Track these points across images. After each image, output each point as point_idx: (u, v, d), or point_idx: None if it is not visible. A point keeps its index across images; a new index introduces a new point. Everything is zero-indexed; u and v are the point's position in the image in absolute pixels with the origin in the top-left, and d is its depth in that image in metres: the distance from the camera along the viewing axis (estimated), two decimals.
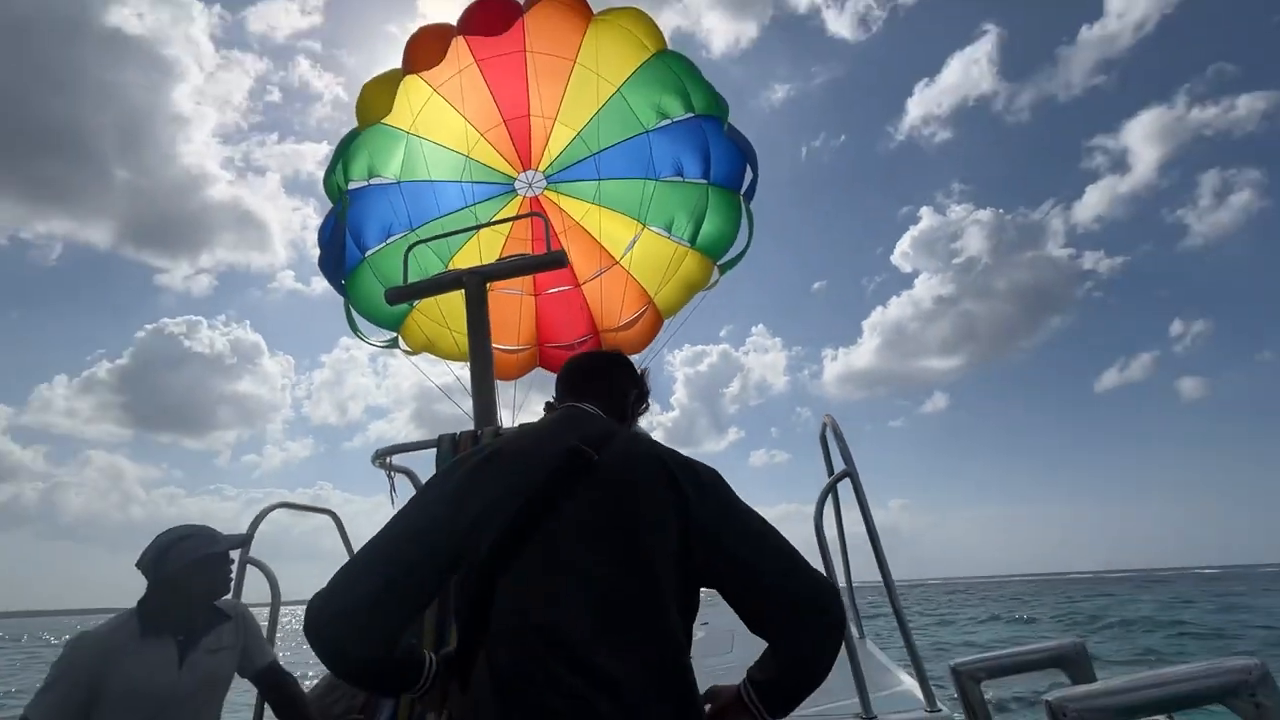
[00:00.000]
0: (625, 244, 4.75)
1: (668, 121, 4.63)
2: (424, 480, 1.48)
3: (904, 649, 2.26)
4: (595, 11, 4.42)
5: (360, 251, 4.53)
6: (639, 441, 1.21)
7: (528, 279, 4.78)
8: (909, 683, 2.47)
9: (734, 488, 1.21)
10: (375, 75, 4.53)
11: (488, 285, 2.57)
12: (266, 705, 2.11)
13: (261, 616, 2.37)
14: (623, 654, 0.96)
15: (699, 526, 1.09)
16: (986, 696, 2.13)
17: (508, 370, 4.80)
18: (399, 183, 4.60)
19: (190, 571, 1.89)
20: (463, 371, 2.36)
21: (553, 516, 1.05)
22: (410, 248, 2.76)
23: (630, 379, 1.48)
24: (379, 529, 1.12)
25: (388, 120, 4.53)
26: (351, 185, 4.51)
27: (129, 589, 2.02)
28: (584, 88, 4.56)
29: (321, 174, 4.52)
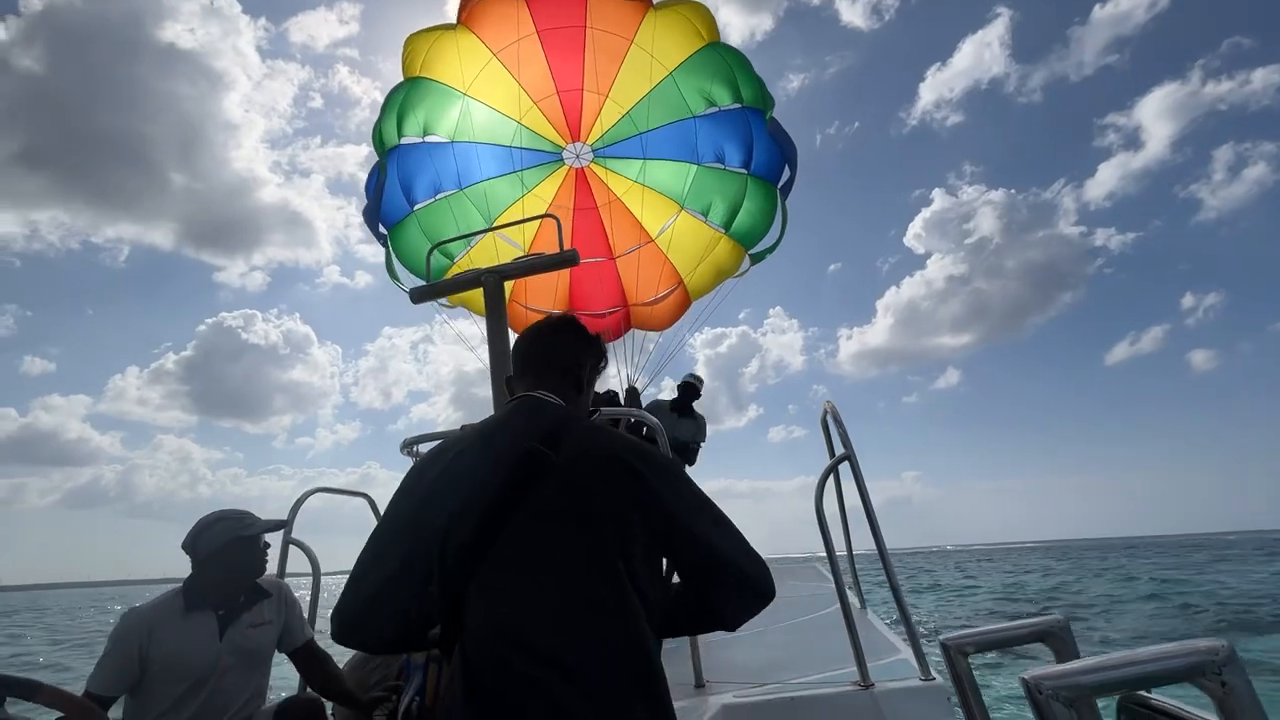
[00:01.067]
0: (663, 223, 4.96)
1: (714, 109, 4.81)
2: None
3: (902, 623, 2.34)
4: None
5: (409, 205, 4.69)
6: (595, 434, 1.21)
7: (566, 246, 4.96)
8: (906, 652, 2.54)
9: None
10: (423, 28, 4.62)
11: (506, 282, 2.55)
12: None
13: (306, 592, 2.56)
14: (584, 645, 1.01)
15: (659, 509, 1.13)
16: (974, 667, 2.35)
17: None
18: (452, 142, 4.74)
19: (222, 553, 2.04)
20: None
21: (514, 519, 1.09)
22: (432, 249, 2.86)
23: (582, 348, 1.38)
24: (380, 523, 1.22)
25: (444, 79, 4.64)
26: (405, 140, 4.64)
27: None
28: (638, 68, 4.71)
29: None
